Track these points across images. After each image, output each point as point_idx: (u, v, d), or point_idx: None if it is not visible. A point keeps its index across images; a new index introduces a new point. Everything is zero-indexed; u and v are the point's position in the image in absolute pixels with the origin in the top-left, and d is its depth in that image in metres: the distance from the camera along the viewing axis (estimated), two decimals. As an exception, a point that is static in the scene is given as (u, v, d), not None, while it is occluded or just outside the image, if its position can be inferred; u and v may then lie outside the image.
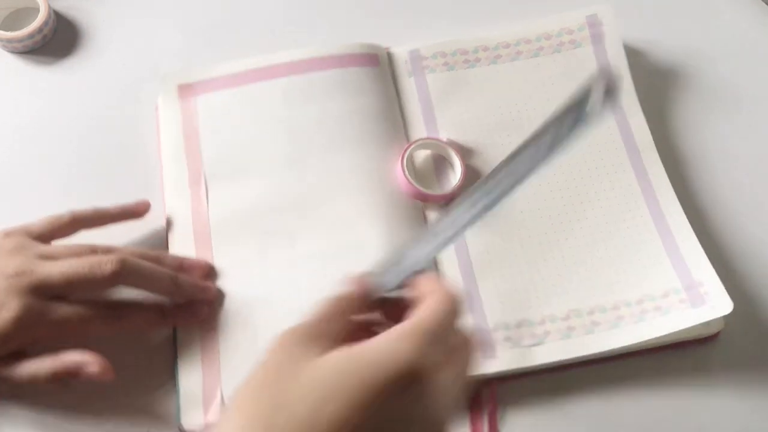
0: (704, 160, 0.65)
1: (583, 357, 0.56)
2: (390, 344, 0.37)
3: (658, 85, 0.68)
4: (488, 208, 0.41)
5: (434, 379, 0.38)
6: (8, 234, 0.55)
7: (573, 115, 0.38)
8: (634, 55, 0.68)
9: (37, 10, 0.69)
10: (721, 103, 0.68)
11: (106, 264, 0.52)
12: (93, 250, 0.55)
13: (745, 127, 0.67)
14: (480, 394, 0.56)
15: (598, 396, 0.56)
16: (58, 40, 0.70)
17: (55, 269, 0.52)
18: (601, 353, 0.56)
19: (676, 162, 0.65)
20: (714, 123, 0.67)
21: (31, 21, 0.68)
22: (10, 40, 0.68)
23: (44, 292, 0.52)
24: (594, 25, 0.67)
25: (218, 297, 0.58)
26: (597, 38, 0.67)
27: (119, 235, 0.60)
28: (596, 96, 0.37)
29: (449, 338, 0.40)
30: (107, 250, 0.55)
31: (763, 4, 0.72)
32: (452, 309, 0.41)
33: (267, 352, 0.40)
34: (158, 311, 0.56)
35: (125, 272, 0.53)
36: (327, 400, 0.36)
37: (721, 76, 0.69)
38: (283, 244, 0.59)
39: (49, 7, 0.69)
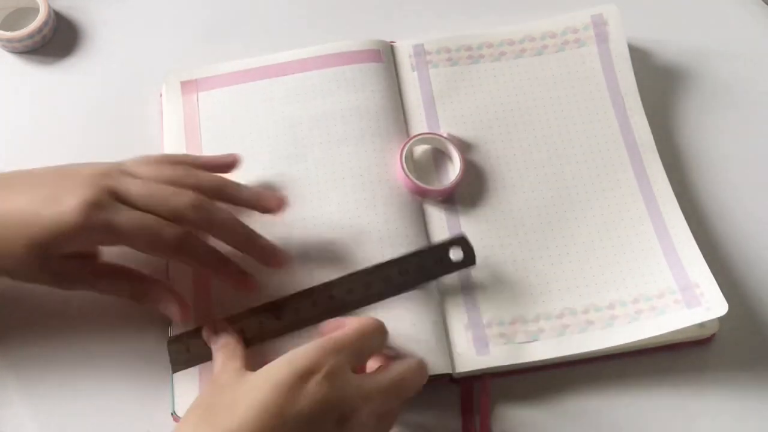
0: (704, 160, 0.65)
1: (577, 355, 0.56)
2: (296, 350, 0.47)
3: (660, 84, 0.68)
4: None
5: (337, 386, 0.46)
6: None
7: (433, 259, 0.57)
8: (638, 54, 0.68)
9: (37, 10, 0.69)
10: (723, 104, 0.67)
11: (186, 198, 0.51)
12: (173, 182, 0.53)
13: (746, 128, 0.67)
14: (472, 390, 0.56)
15: (591, 395, 0.57)
16: (58, 40, 0.71)
17: (136, 187, 0.51)
18: (594, 352, 0.56)
19: (676, 162, 0.65)
20: (715, 123, 0.67)
21: (31, 21, 0.69)
22: (10, 40, 0.68)
23: (120, 197, 0.50)
24: (599, 24, 0.67)
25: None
26: (601, 38, 0.67)
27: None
28: (455, 255, 0.56)
29: (363, 356, 0.50)
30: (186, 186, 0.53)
31: (764, 4, 0.72)
32: (367, 331, 0.50)
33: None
34: (218, 258, 0.54)
35: (202, 214, 0.52)
36: (248, 394, 0.45)
37: (723, 77, 0.69)
38: (281, 238, 0.59)
39: (49, 7, 0.69)
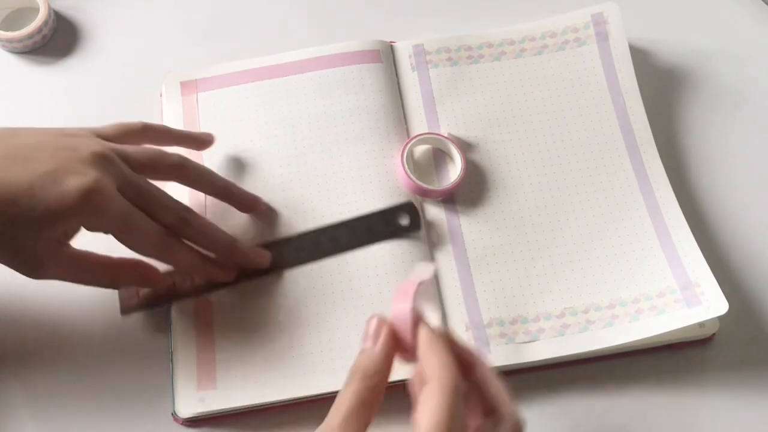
0: (704, 160, 0.65)
1: (578, 355, 0.56)
2: None
3: (660, 84, 0.68)
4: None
5: None
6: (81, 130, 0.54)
7: (382, 222, 0.59)
8: (638, 54, 0.68)
9: (37, 10, 0.69)
10: (723, 104, 0.67)
11: (177, 205, 0.53)
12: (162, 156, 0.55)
13: (746, 128, 0.67)
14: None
15: (591, 394, 0.57)
16: (58, 40, 0.71)
17: (137, 178, 0.52)
18: (595, 352, 0.56)
19: (676, 161, 0.65)
20: (715, 123, 0.67)
21: (31, 21, 0.69)
22: (10, 40, 0.68)
23: (119, 184, 0.50)
24: (599, 23, 0.67)
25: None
26: (602, 36, 0.67)
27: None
28: (403, 220, 0.59)
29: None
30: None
31: (764, 4, 0.72)
32: (452, 403, 0.40)
33: None
34: (204, 258, 0.55)
35: (192, 222, 0.53)
36: None
37: (723, 77, 0.69)
38: (282, 238, 0.59)
39: (49, 7, 0.69)
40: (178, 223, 0.53)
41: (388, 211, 0.59)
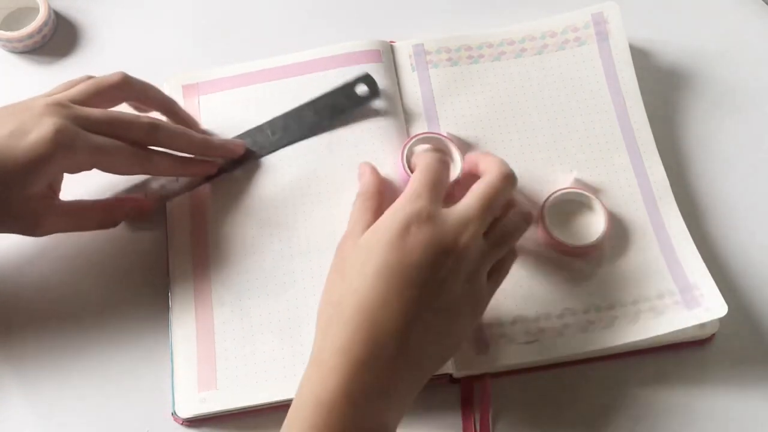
0: (704, 160, 0.65)
1: (578, 355, 0.56)
2: (391, 207, 0.52)
3: (660, 84, 0.68)
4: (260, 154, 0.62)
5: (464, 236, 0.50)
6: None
7: (343, 96, 0.63)
8: (638, 54, 0.68)
9: (37, 10, 0.69)
10: (724, 104, 0.67)
11: (143, 119, 0.56)
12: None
13: (746, 128, 0.66)
14: (472, 390, 0.56)
15: (591, 395, 0.57)
16: (58, 40, 0.71)
17: (95, 111, 0.55)
18: (595, 352, 0.56)
19: (676, 161, 0.64)
20: (715, 123, 0.67)
21: (31, 21, 0.69)
22: (10, 40, 0.68)
23: (80, 123, 0.53)
24: (599, 23, 0.67)
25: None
26: (602, 36, 0.67)
27: (120, 229, 0.60)
28: (361, 89, 0.63)
29: (494, 210, 0.52)
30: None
31: (764, 4, 0.72)
32: (500, 184, 0.53)
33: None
34: (182, 159, 0.60)
35: (161, 130, 0.57)
36: (370, 258, 0.49)
37: (724, 77, 0.69)
38: (281, 237, 0.60)
39: (49, 7, 0.69)
40: (149, 134, 0.56)
41: (347, 86, 0.63)
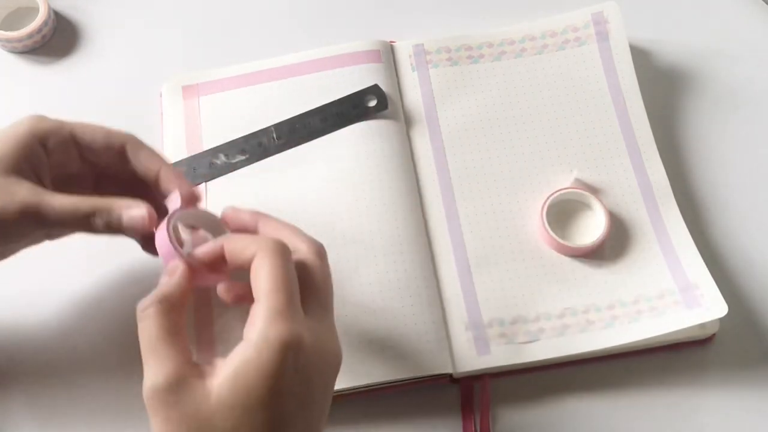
0: (704, 160, 0.65)
1: (578, 355, 0.56)
2: (258, 343, 0.42)
3: (661, 84, 0.68)
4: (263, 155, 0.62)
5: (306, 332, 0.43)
6: None
7: (351, 106, 0.63)
8: (638, 54, 0.68)
9: (37, 10, 0.69)
10: (724, 104, 0.67)
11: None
12: None
13: (747, 128, 0.66)
14: (472, 390, 0.56)
15: (591, 395, 0.56)
16: (58, 40, 0.71)
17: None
18: (595, 352, 0.56)
19: (676, 161, 0.64)
20: (716, 123, 0.67)
21: (31, 21, 0.69)
22: (10, 40, 0.68)
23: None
24: (599, 22, 0.67)
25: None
26: (602, 36, 0.67)
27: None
28: (370, 101, 0.63)
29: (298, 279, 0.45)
30: None
31: (764, 4, 0.72)
32: (284, 261, 0.44)
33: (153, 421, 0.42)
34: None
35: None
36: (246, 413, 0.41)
37: (724, 77, 0.69)
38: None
39: (49, 7, 0.69)
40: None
41: (356, 95, 0.63)
